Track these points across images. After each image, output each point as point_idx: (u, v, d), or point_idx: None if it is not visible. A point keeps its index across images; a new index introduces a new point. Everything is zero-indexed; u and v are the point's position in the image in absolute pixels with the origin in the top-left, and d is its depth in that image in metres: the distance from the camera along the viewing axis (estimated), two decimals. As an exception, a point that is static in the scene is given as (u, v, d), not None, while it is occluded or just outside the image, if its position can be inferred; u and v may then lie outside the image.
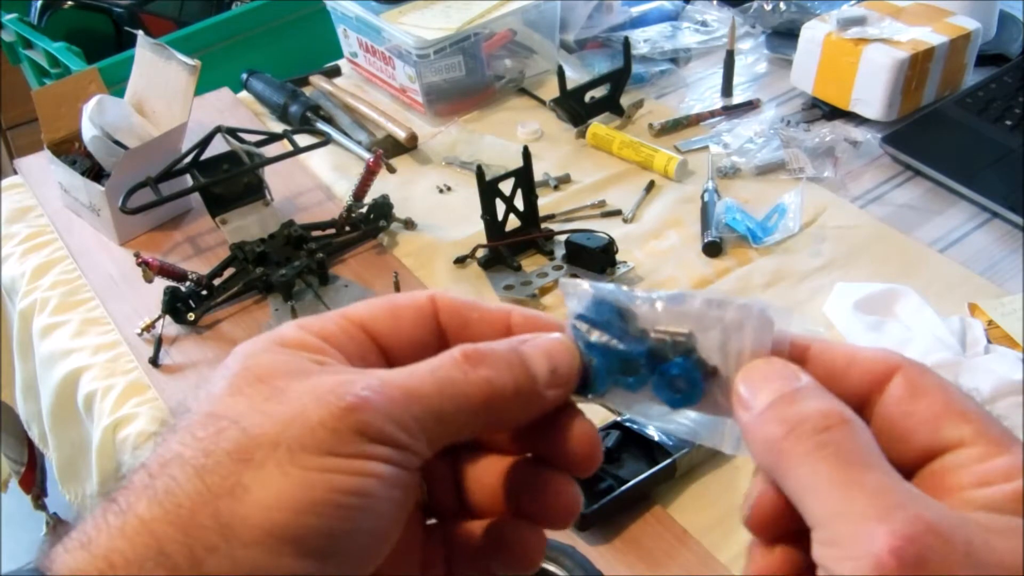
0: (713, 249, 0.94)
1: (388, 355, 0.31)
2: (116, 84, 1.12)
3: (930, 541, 0.22)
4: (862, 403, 0.27)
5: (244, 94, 1.27)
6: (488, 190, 0.91)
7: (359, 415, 0.26)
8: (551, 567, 0.64)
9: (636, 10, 1.32)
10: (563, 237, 0.93)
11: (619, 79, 1.15)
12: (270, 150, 1.02)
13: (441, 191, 1.07)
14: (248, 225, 0.96)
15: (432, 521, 0.33)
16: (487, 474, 0.32)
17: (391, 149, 1.12)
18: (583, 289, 0.31)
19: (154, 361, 0.86)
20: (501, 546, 0.32)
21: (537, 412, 0.30)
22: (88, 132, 1.01)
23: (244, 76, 1.26)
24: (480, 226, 0.94)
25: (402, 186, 1.05)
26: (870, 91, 1.06)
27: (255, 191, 0.97)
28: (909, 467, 0.26)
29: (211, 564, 0.25)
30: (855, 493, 0.24)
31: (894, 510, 0.23)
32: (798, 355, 0.28)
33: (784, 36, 1.25)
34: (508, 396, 0.29)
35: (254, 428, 0.26)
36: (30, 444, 1.25)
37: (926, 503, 0.24)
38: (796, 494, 0.25)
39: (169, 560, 0.25)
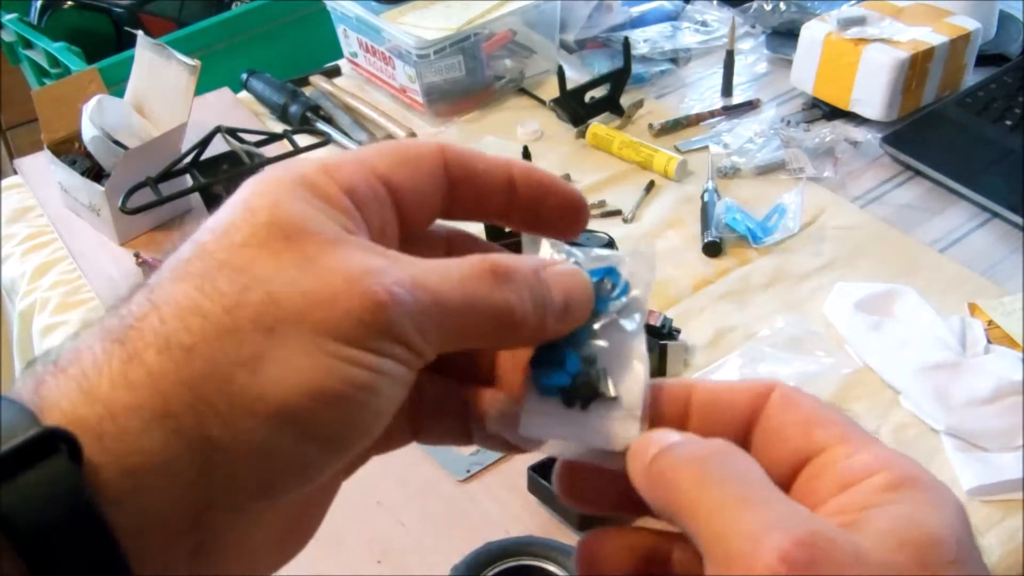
0: (713, 249, 0.94)
1: (401, 209, 0.30)
2: (116, 84, 1.12)
3: (819, 543, 0.23)
4: (747, 426, 0.29)
5: (244, 94, 1.27)
6: (488, 190, 0.91)
7: (388, 314, 0.25)
8: (551, 567, 0.64)
9: (636, 10, 1.32)
10: (563, 237, 0.92)
11: (619, 79, 1.15)
12: (270, 150, 1.02)
13: (441, 191, 1.07)
14: (248, 225, 0.96)
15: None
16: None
17: (391, 149, 1.11)
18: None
19: (154, 361, 0.86)
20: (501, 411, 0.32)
21: (533, 342, 0.30)
22: (88, 132, 1.01)
23: (244, 76, 1.26)
24: (480, 226, 0.94)
25: (402, 186, 1.05)
26: (870, 91, 1.06)
27: (255, 191, 0.97)
28: (787, 477, 0.27)
29: (213, 427, 0.24)
30: (741, 511, 0.24)
31: (781, 520, 0.23)
32: (682, 393, 0.29)
33: (784, 36, 1.25)
34: (519, 323, 0.28)
35: (282, 297, 0.25)
36: (30, 444, 1.25)
37: (811, 516, 0.24)
38: (687, 522, 0.25)
39: (173, 418, 0.24)
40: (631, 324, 0.30)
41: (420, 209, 0.30)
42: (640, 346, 0.30)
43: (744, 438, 0.28)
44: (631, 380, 0.29)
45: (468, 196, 0.31)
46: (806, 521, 0.24)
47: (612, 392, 0.29)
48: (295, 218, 0.27)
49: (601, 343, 0.30)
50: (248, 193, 0.28)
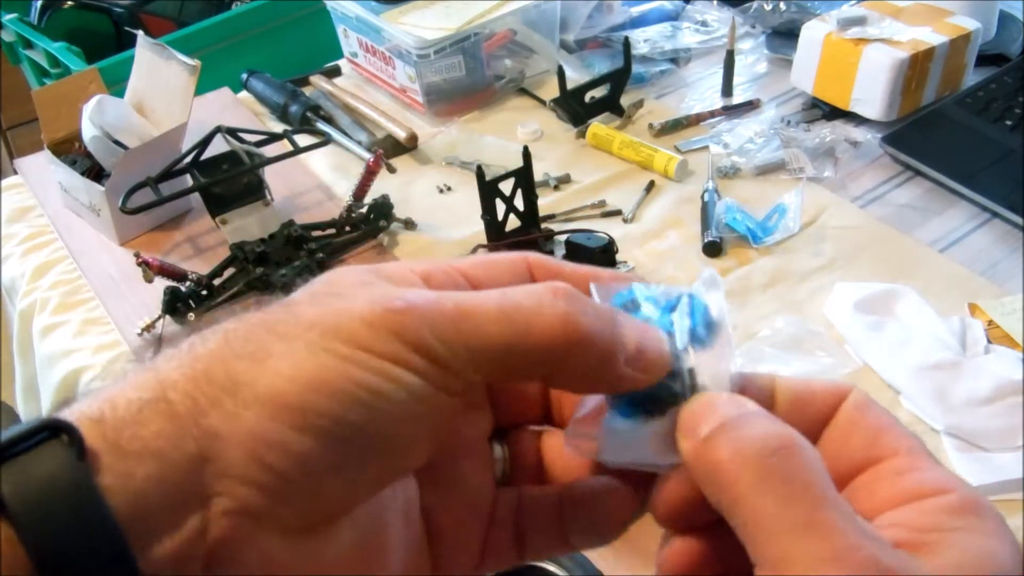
0: (713, 249, 0.94)
1: None
2: (116, 84, 1.12)
3: None
4: (822, 426, 0.28)
5: (244, 94, 1.27)
6: (488, 190, 0.91)
7: (400, 317, 0.25)
8: (550, 567, 0.64)
9: (636, 10, 1.32)
10: (563, 237, 0.93)
11: (619, 79, 1.15)
12: (270, 150, 1.02)
13: (441, 191, 1.07)
14: (248, 225, 0.96)
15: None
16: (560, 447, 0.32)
17: (391, 149, 1.12)
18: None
19: (154, 361, 0.86)
20: (581, 507, 0.31)
21: (603, 386, 0.28)
22: (88, 132, 1.01)
23: (244, 76, 1.26)
24: (480, 226, 0.94)
25: (402, 186, 1.05)
26: (870, 91, 1.06)
27: (255, 191, 0.97)
28: (845, 478, 0.27)
29: (212, 416, 0.24)
30: (809, 535, 0.23)
31: (848, 552, 0.23)
32: (767, 387, 0.29)
33: (784, 36, 1.25)
34: (585, 347, 0.26)
35: (298, 310, 0.26)
36: (30, 444, 1.25)
37: (879, 545, 0.23)
38: (741, 527, 0.24)
39: (170, 406, 0.24)
40: (713, 343, 0.29)
41: None
42: (726, 360, 0.29)
43: (815, 437, 0.28)
44: (717, 384, 0.28)
45: None
46: (874, 555, 0.23)
47: (693, 388, 0.28)
48: (347, 275, 0.27)
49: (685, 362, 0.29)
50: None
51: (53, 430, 0.23)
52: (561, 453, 0.32)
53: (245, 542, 0.24)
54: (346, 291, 0.27)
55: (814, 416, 0.28)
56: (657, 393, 0.28)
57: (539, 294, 0.26)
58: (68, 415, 0.24)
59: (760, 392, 0.28)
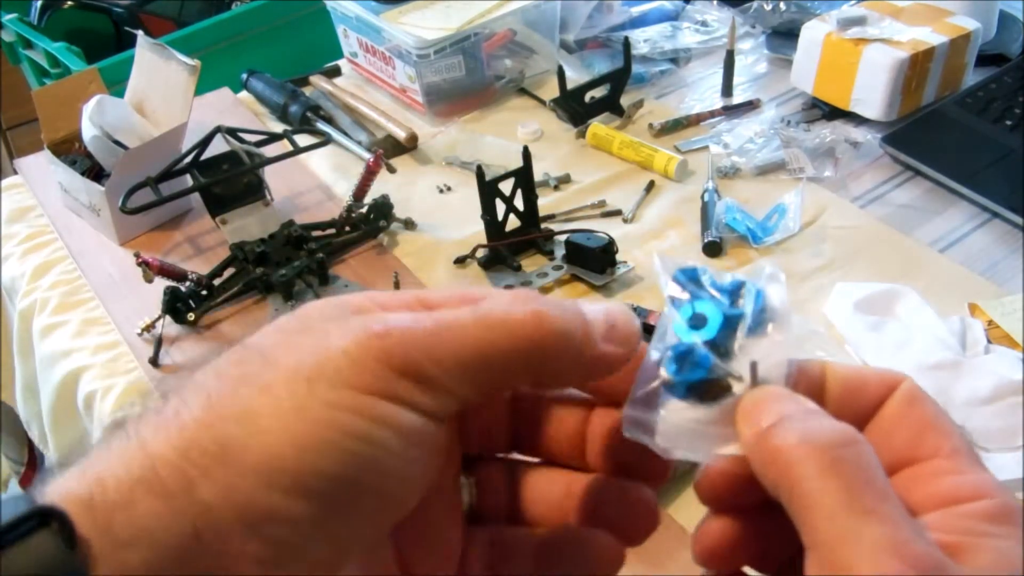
0: (713, 249, 0.93)
1: None
2: (116, 84, 1.12)
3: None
4: (872, 415, 0.28)
5: (244, 94, 1.27)
6: (488, 190, 0.91)
7: (382, 342, 0.24)
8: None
9: (636, 10, 1.32)
10: (563, 237, 0.92)
11: (619, 79, 1.15)
12: (270, 150, 1.02)
13: (441, 191, 1.07)
14: (248, 225, 0.96)
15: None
16: (554, 483, 0.31)
17: (391, 149, 1.12)
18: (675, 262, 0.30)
19: (154, 361, 0.86)
20: (572, 557, 0.30)
21: (591, 370, 0.28)
22: (88, 132, 1.01)
23: (244, 76, 1.26)
24: (480, 226, 0.94)
25: (402, 186, 1.05)
26: (870, 91, 1.06)
27: (255, 191, 0.97)
28: (886, 472, 0.27)
29: (204, 489, 0.23)
30: (869, 521, 0.23)
31: (906, 544, 0.23)
32: (817, 376, 0.28)
33: (784, 36, 1.25)
34: (560, 334, 0.26)
35: (275, 355, 0.25)
36: (30, 444, 1.25)
37: (930, 543, 0.24)
38: (799, 510, 0.24)
39: (161, 484, 0.23)
40: (769, 327, 0.29)
41: None
42: (784, 350, 0.28)
43: (862, 426, 0.28)
44: (775, 372, 0.28)
45: None
46: (928, 551, 0.23)
47: (754, 379, 0.28)
48: (316, 308, 0.27)
49: (741, 344, 0.28)
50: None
51: (43, 517, 0.22)
52: (536, 490, 0.31)
53: None
54: (318, 327, 0.26)
55: (864, 406, 0.28)
56: (715, 380, 0.28)
57: (507, 299, 0.27)
58: (57, 496, 0.23)
59: (811, 381, 0.28)
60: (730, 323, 0.28)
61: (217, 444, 0.23)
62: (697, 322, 0.28)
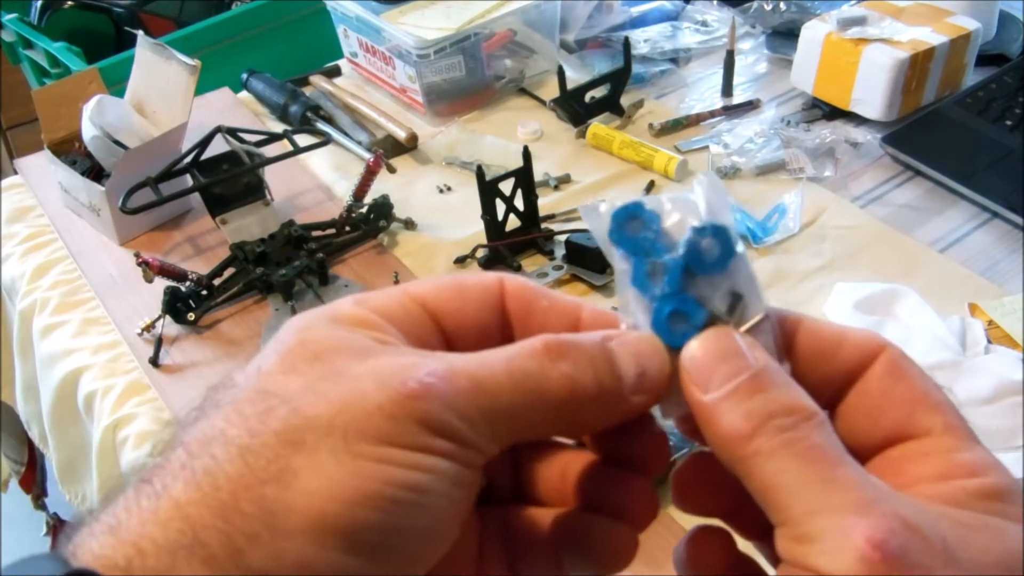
0: (713, 249, 0.93)
1: (449, 338, 0.29)
2: (116, 84, 1.12)
3: (910, 536, 0.22)
4: (847, 382, 0.27)
5: (244, 94, 1.27)
6: (488, 190, 0.91)
7: (422, 403, 0.24)
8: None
9: (636, 10, 1.32)
10: (563, 237, 0.92)
11: (619, 79, 1.15)
12: (270, 150, 1.02)
13: (441, 191, 1.07)
14: (248, 225, 0.96)
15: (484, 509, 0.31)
16: (551, 465, 0.30)
17: (391, 149, 1.12)
18: (604, 208, 0.29)
19: (154, 361, 0.86)
20: (583, 540, 0.30)
21: (618, 418, 0.28)
22: (88, 132, 1.01)
23: (244, 76, 1.26)
24: (480, 226, 0.94)
25: (402, 186, 1.05)
26: (870, 91, 1.06)
27: (255, 191, 0.97)
28: (869, 451, 0.26)
29: (252, 556, 0.22)
30: (830, 489, 0.23)
31: (872, 504, 0.22)
32: (789, 331, 0.27)
33: (784, 36, 1.25)
34: (590, 397, 0.26)
35: (307, 408, 0.24)
36: (30, 444, 1.25)
37: (900, 499, 0.23)
38: (760, 491, 0.24)
39: (205, 549, 0.22)
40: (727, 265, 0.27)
41: (467, 332, 0.29)
42: (744, 271, 0.27)
43: (839, 394, 0.27)
44: (756, 306, 0.27)
45: (531, 330, 0.29)
46: (895, 507, 0.23)
47: (752, 319, 0.27)
48: (323, 339, 0.26)
49: (705, 282, 0.27)
50: (282, 330, 0.27)
51: None
52: (540, 468, 0.31)
53: None
54: (341, 369, 0.25)
55: (837, 369, 0.27)
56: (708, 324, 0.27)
57: (539, 357, 0.26)
58: (91, 559, 0.22)
59: (784, 334, 0.27)
60: (688, 269, 0.27)
61: (258, 506, 0.23)
62: (654, 273, 0.27)
